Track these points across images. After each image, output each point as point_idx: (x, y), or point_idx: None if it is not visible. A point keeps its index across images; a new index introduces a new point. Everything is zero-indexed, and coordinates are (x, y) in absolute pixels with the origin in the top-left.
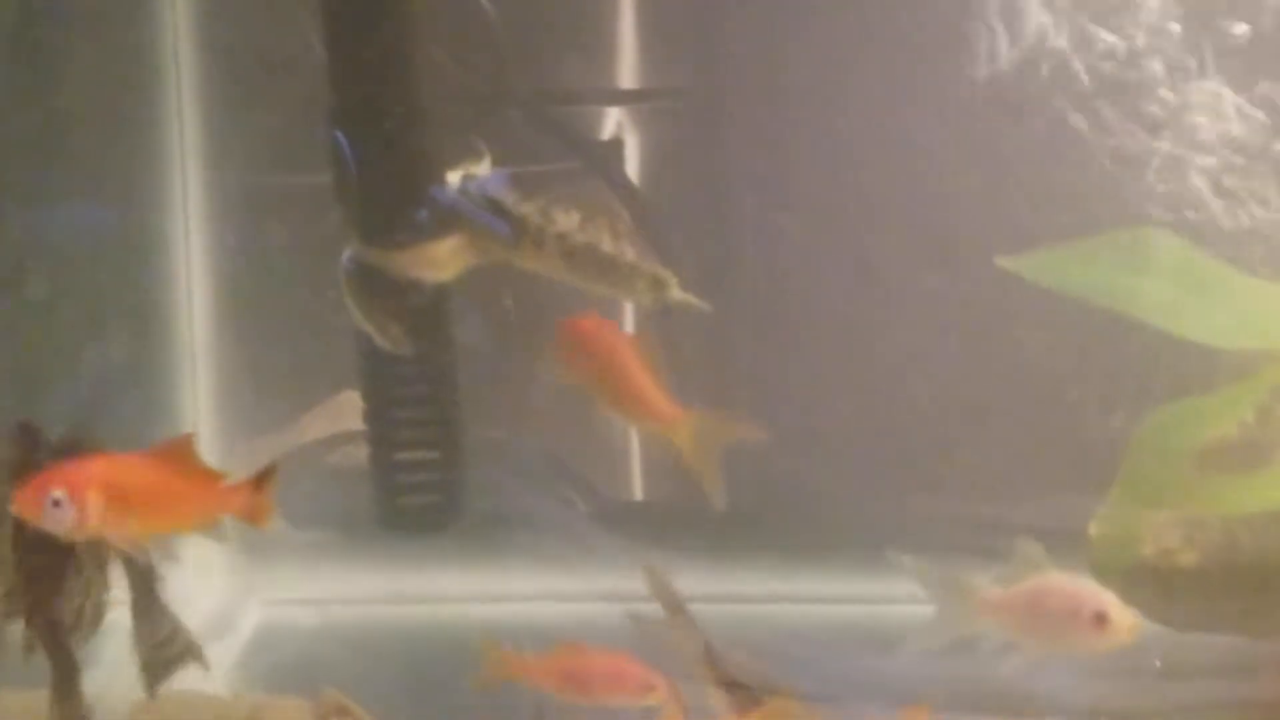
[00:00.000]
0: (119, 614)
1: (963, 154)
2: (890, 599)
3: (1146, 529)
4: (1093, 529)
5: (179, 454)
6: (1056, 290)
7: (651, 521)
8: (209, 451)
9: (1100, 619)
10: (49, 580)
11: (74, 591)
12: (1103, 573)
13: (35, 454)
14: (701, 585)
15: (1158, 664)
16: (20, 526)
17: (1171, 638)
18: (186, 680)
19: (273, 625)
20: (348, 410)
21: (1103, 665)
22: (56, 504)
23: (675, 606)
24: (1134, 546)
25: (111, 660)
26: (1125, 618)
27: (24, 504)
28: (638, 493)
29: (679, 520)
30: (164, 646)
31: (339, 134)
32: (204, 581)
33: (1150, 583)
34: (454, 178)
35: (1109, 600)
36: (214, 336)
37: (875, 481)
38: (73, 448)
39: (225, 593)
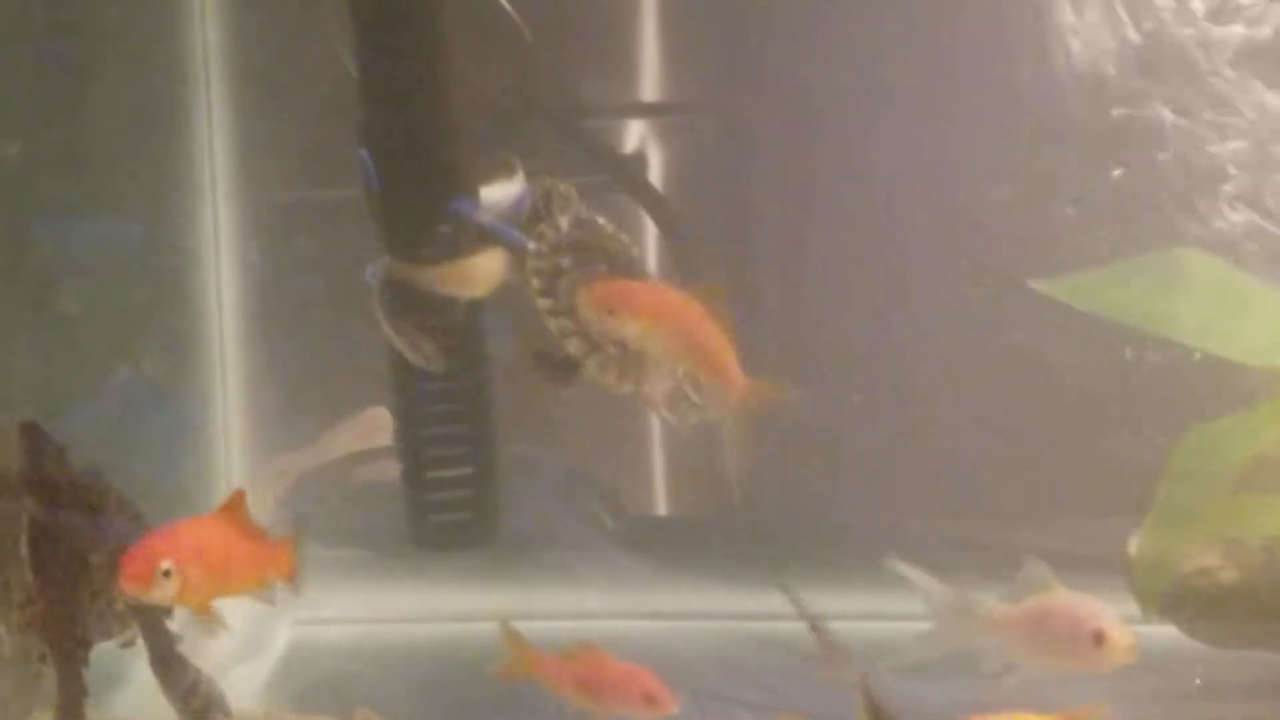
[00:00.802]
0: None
1: (992, 166)
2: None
3: (1186, 548)
4: (1132, 549)
5: (236, 513)
6: (1091, 313)
7: (676, 537)
8: (240, 469)
9: (1099, 638)
10: (64, 592)
11: (90, 605)
12: (1143, 593)
13: (41, 459)
14: (723, 601)
15: (1198, 682)
16: (37, 538)
17: (1212, 655)
18: None
19: (304, 644)
20: (375, 426)
21: (1140, 685)
22: (166, 574)
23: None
24: (1174, 566)
25: (141, 680)
26: (1124, 637)
27: (135, 575)
28: (662, 508)
29: (704, 536)
30: (191, 697)
31: (364, 152)
32: (234, 601)
33: (1191, 602)
34: (485, 192)
35: (1108, 619)
36: (244, 352)
37: (901, 500)
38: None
39: (256, 612)
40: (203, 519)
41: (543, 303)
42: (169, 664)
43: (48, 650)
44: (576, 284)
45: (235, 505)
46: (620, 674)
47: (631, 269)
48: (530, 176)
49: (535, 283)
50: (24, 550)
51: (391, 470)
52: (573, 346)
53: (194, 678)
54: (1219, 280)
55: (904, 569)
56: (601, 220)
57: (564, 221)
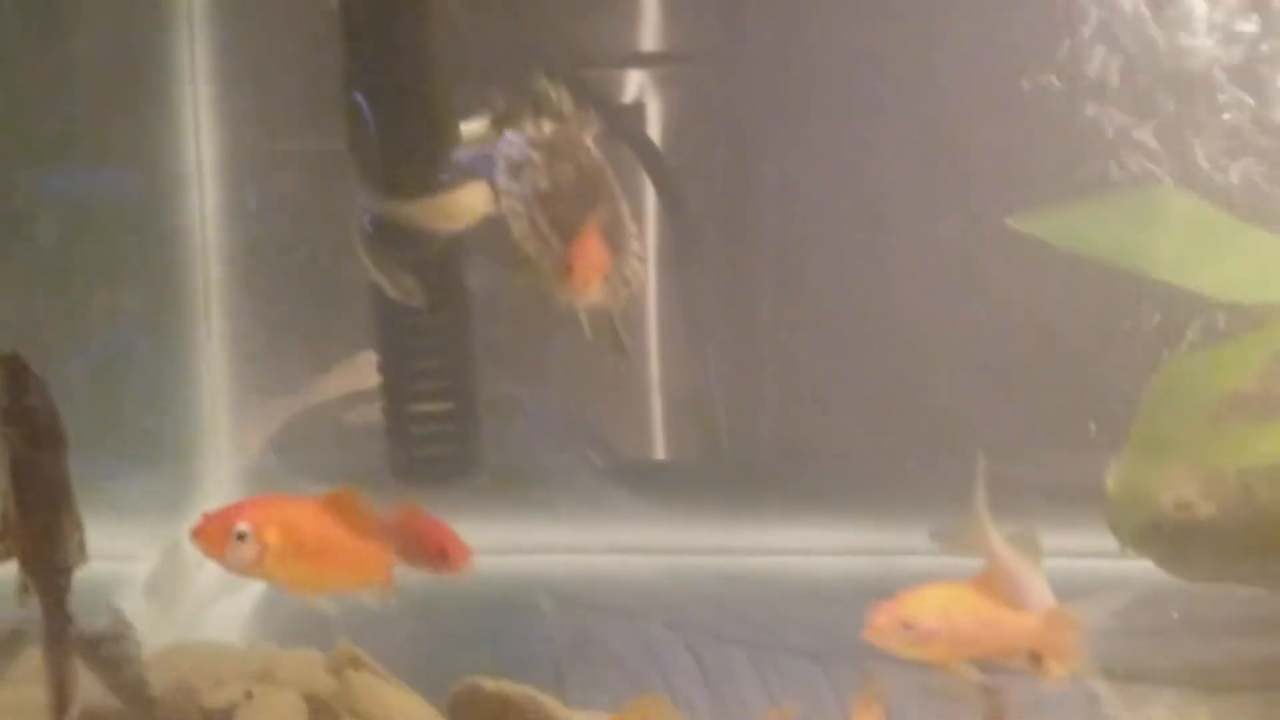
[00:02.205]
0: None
1: (983, 109)
2: (903, 550)
3: (1163, 482)
4: (1110, 483)
5: (344, 506)
6: (1070, 249)
7: (670, 480)
8: (225, 412)
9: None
10: (45, 521)
11: (70, 533)
12: (1120, 526)
13: (21, 389)
14: (718, 539)
15: (1175, 616)
16: (16, 463)
17: (1188, 594)
18: (203, 632)
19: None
20: (365, 370)
21: (1117, 623)
22: (241, 538)
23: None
24: (1151, 500)
25: (130, 613)
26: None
27: (207, 536)
28: (654, 450)
29: (697, 478)
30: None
31: (353, 94)
32: None
33: (1167, 536)
34: (470, 130)
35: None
36: (228, 296)
37: (892, 438)
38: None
39: None
40: (305, 499)
41: (507, 200)
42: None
43: (30, 581)
44: (538, 180)
45: (345, 498)
46: (426, 528)
47: (598, 190)
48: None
49: (502, 165)
50: (4, 480)
51: (357, 416)
52: (529, 245)
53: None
54: (1196, 217)
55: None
56: (590, 142)
57: (547, 126)
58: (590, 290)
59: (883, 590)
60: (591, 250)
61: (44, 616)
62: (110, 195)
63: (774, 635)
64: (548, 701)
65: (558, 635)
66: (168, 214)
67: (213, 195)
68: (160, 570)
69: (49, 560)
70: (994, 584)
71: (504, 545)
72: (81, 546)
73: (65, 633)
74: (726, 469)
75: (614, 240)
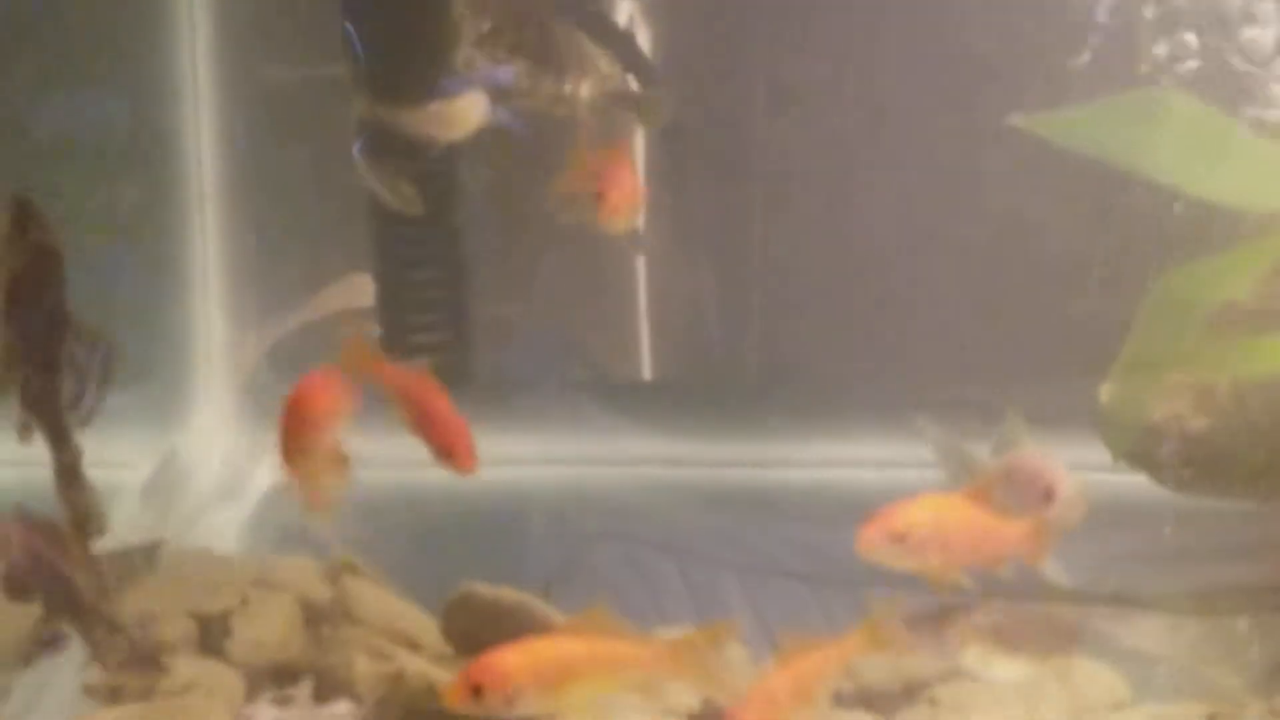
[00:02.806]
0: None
1: (985, 11)
2: (892, 463)
3: (1157, 394)
4: (1103, 394)
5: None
6: (1070, 149)
7: (658, 396)
8: (220, 332)
9: (1049, 494)
10: (43, 356)
11: (69, 370)
12: (1113, 437)
13: (26, 225)
14: (709, 454)
15: (1167, 531)
16: (11, 300)
17: (1182, 519)
18: (198, 539)
19: (282, 488)
20: (357, 291)
21: (1113, 548)
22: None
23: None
24: (1144, 411)
25: (124, 519)
26: (1074, 497)
27: (871, 540)
28: (645, 373)
29: (686, 395)
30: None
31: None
32: (214, 445)
33: (1160, 447)
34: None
35: (1063, 478)
36: (225, 216)
37: (879, 355)
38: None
39: (235, 456)
40: (946, 496)
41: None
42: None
43: (33, 419)
44: None
45: (980, 489)
46: (442, 417)
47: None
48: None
49: None
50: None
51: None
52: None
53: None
54: (1199, 121)
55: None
56: None
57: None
58: (622, 218)
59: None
60: (624, 179)
61: (53, 453)
62: (105, 112)
63: (764, 557)
64: (541, 608)
65: (545, 553)
66: (163, 131)
67: (208, 112)
68: (155, 478)
69: (50, 397)
70: (985, 494)
71: (496, 458)
72: (80, 397)
73: (78, 466)
74: (718, 386)
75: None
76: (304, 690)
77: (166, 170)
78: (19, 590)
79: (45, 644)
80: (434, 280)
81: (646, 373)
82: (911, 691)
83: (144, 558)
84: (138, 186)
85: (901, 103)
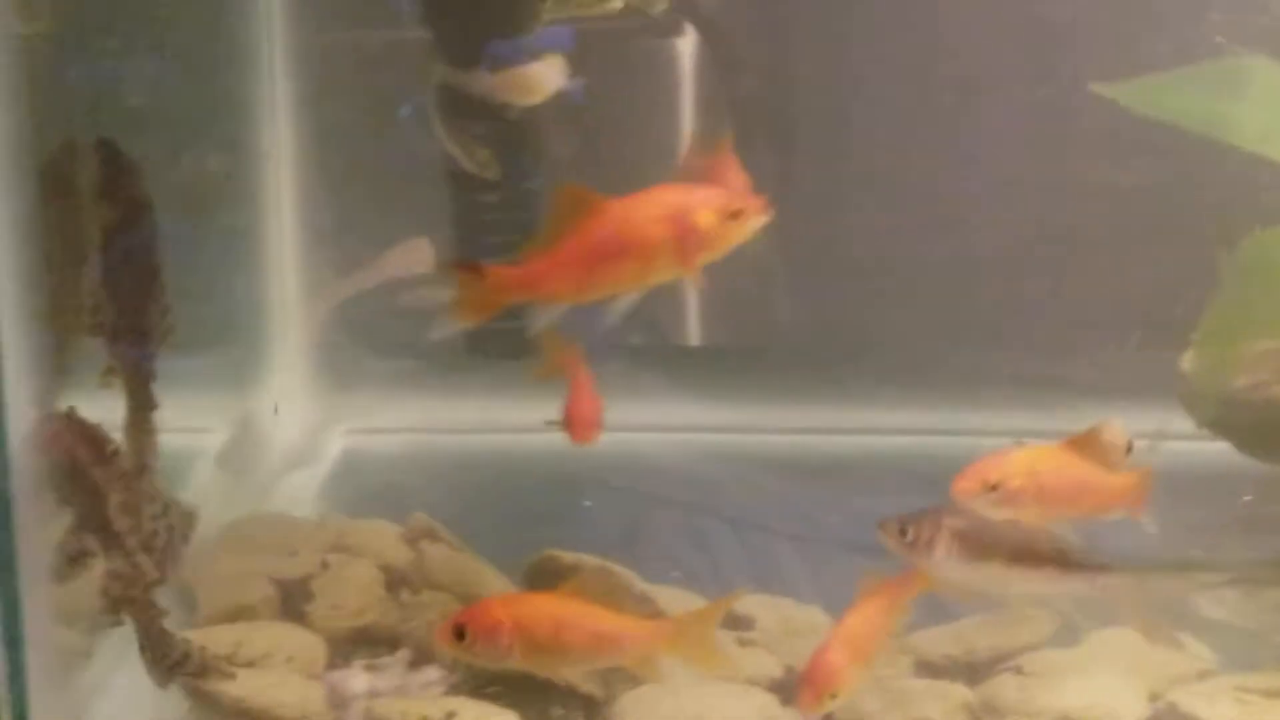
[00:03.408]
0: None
1: None
2: (940, 430)
3: (1239, 362)
4: (1185, 362)
5: (1086, 444)
6: (1152, 117)
7: (715, 362)
8: (293, 288)
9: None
10: (134, 303)
11: (157, 316)
12: (1195, 405)
13: (116, 172)
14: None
15: (1247, 499)
16: (108, 245)
17: (1265, 487)
18: (274, 504)
19: (357, 452)
20: (417, 255)
21: (1192, 518)
22: (994, 489)
23: None
24: (1226, 379)
25: (200, 484)
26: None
27: (964, 489)
28: (707, 339)
29: (743, 361)
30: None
31: None
32: (288, 410)
33: (1243, 415)
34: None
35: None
36: (298, 173)
37: (951, 323)
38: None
39: (309, 421)
40: (1046, 448)
41: None
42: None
43: (115, 362)
44: None
45: (1087, 437)
46: (585, 396)
47: None
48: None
49: None
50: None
51: (435, 296)
52: None
53: (184, 648)
54: None
55: None
56: None
57: None
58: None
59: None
60: (735, 182)
61: (128, 398)
62: (187, 80)
63: (823, 525)
64: (621, 573)
65: (606, 519)
66: (239, 97)
67: (282, 78)
68: (232, 443)
69: (136, 342)
70: (1086, 446)
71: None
72: (169, 330)
73: (150, 416)
74: (779, 353)
75: None
76: (397, 657)
77: (242, 136)
78: (57, 492)
79: (71, 559)
80: (508, 244)
81: (707, 338)
82: (998, 661)
83: (182, 520)
84: (217, 154)
85: (972, 70)
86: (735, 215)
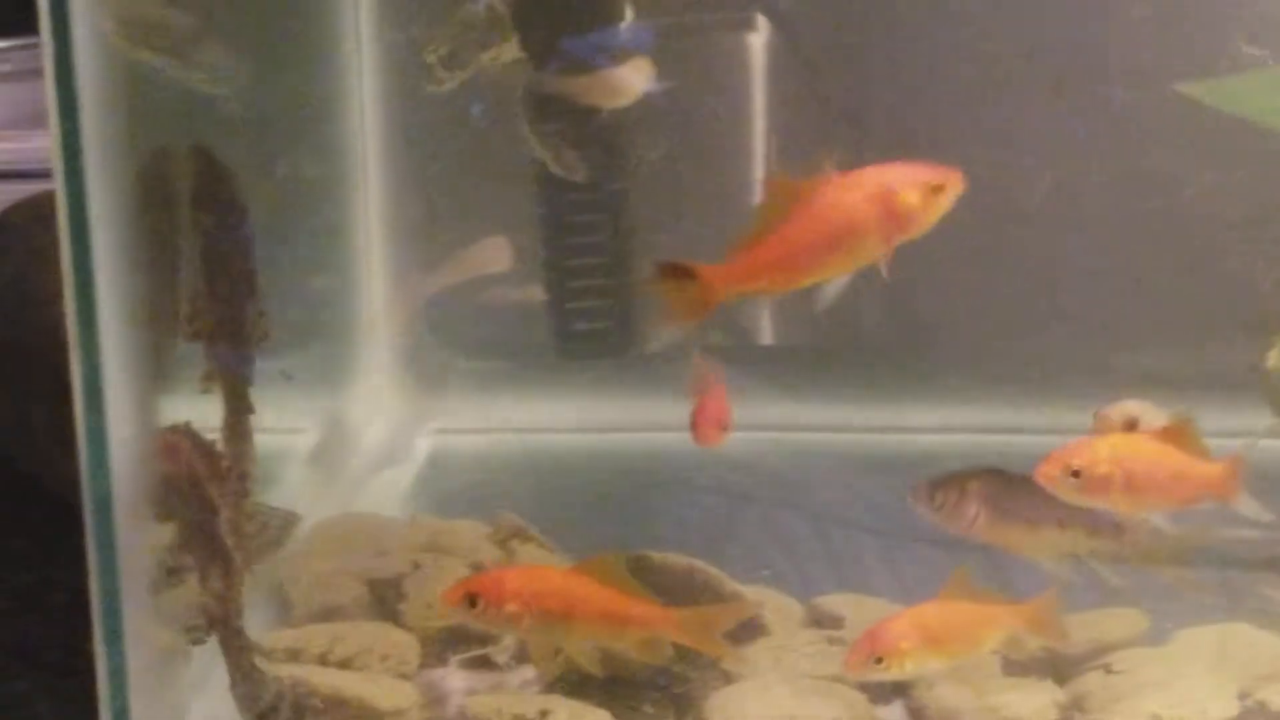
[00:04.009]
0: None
1: None
2: (1028, 429)
3: None
4: (1271, 359)
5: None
6: (1237, 116)
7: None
8: (383, 285)
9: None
10: (231, 308)
11: (254, 321)
12: (1277, 400)
13: (210, 178)
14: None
15: None
16: (207, 250)
17: None
18: (364, 504)
19: (444, 452)
20: (494, 254)
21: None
22: (1075, 475)
23: None
24: None
25: (294, 480)
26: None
27: (1046, 475)
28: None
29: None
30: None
31: None
32: (376, 411)
33: None
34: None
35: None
36: (388, 170)
37: (1026, 320)
38: None
39: (397, 422)
40: (1136, 436)
41: None
42: (249, 678)
43: (213, 367)
44: None
45: (1179, 429)
46: (713, 399)
47: None
48: None
49: None
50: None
51: (514, 294)
52: None
53: (276, 691)
54: None
55: None
56: None
57: None
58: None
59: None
60: None
61: (226, 402)
62: (284, 84)
63: (904, 522)
64: (713, 574)
65: (691, 517)
66: (330, 98)
67: (370, 78)
68: (322, 443)
69: (233, 347)
70: (1176, 435)
71: (654, 422)
72: (265, 336)
73: (247, 420)
74: (859, 351)
75: None
76: (492, 655)
77: (332, 137)
78: (166, 505)
79: (170, 572)
80: (596, 245)
81: (788, 338)
82: (1087, 658)
83: (280, 524)
84: (309, 156)
85: (1057, 64)
86: (938, 190)
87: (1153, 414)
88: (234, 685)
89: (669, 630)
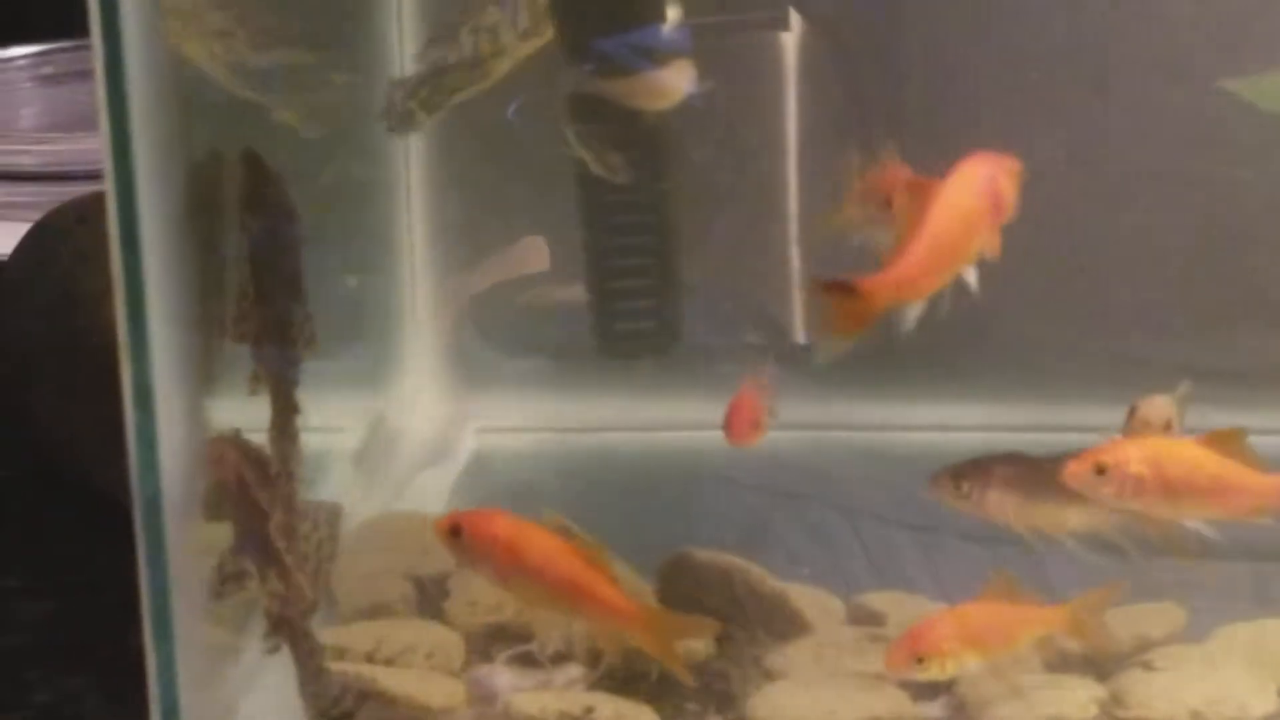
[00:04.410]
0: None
1: None
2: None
3: None
4: None
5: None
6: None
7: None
8: (426, 284)
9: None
10: (279, 311)
11: (302, 324)
12: None
13: (260, 183)
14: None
15: None
16: (254, 253)
17: None
18: (409, 502)
19: (489, 451)
20: (532, 255)
21: None
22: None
23: None
24: None
25: (336, 483)
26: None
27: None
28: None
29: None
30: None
31: None
32: (419, 410)
33: None
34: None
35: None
36: (430, 169)
37: (1065, 317)
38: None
39: (441, 421)
40: (1180, 440)
41: None
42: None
43: (261, 370)
44: None
45: (1227, 436)
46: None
47: None
48: None
49: None
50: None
51: (557, 293)
52: None
53: (339, 689)
54: None
55: None
56: None
57: None
58: None
59: None
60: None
61: (273, 405)
62: (332, 91)
63: (940, 519)
64: (756, 572)
65: (729, 515)
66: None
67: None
68: (366, 442)
69: (280, 349)
70: (1227, 441)
71: (698, 421)
72: (312, 339)
73: (294, 421)
74: (896, 349)
75: None
76: (538, 651)
77: (376, 138)
78: (218, 512)
79: (228, 578)
80: (642, 235)
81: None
82: (1128, 655)
83: (328, 519)
84: (355, 158)
85: (1100, 63)
86: (1020, 177)
87: (1170, 409)
88: (303, 685)
89: (625, 622)
